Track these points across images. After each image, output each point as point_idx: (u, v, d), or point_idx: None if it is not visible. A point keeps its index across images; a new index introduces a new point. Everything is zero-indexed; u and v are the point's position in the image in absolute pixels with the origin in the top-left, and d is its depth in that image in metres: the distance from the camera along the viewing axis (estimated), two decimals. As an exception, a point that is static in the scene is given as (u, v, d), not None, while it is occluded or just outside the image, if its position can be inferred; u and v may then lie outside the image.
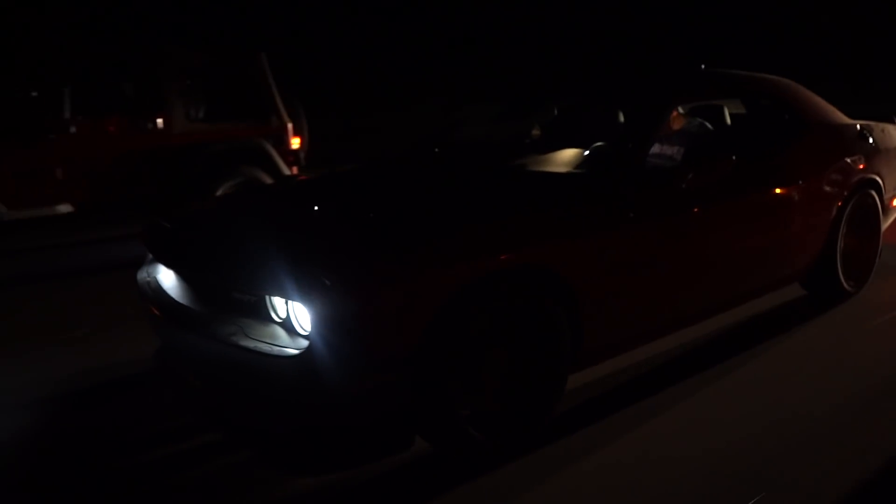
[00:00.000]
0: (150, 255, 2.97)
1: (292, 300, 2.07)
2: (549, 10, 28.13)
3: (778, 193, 3.35)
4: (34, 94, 5.41)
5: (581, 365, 2.65)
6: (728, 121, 3.77)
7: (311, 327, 2.02)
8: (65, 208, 5.34)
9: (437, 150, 3.75)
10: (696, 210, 2.90)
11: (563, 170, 3.01)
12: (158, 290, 2.68)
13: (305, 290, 2.02)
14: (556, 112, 3.64)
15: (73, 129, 5.34)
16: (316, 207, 2.85)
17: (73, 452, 2.58)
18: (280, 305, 2.19)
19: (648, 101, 3.04)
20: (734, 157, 2.82)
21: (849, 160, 3.73)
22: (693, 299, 3.03)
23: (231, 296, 2.32)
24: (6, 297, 4.56)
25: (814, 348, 3.31)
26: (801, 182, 3.43)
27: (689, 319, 3.08)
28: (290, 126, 6.27)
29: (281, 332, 2.16)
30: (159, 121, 5.64)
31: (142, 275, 2.91)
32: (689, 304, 3.02)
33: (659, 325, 2.92)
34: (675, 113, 3.62)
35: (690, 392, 2.82)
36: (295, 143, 6.40)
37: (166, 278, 2.76)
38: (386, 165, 3.55)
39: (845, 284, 3.83)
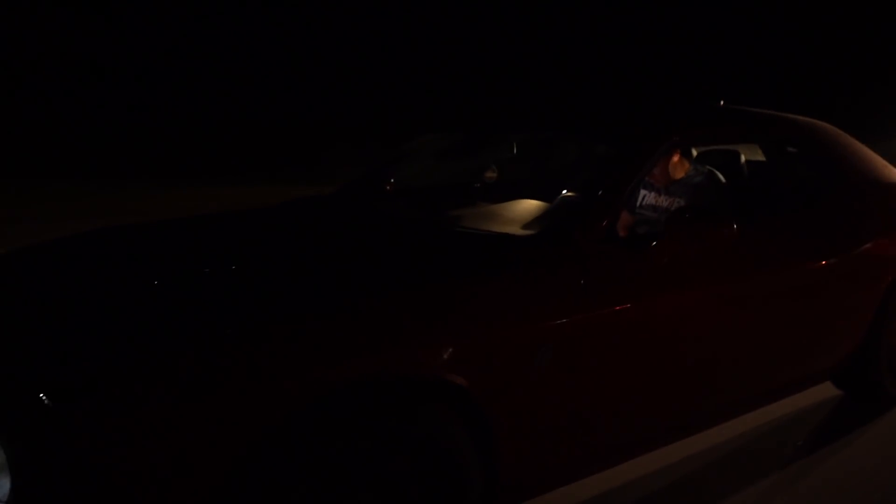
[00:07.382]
0: None
1: None
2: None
3: (804, 268, 2.54)
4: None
5: None
6: (744, 171, 2.99)
7: (12, 483, 1.23)
8: None
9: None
10: (676, 289, 2.09)
11: (510, 229, 2.21)
12: None
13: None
14: (514, 149, 2.86)
15: None
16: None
17: None
18: None
19: (633, 136, 2.28)
20: (735, 225, 2.01)
21: (900, 228, 2.90)
22: (669, 408, 2.21)
23: None
24: None
25: (855, 473, 2.48)
26: (835, 254, 2.62)
27: (664, 435, 2.26)
28: None
29: None
30: None
31: None
32: (665, 414, 2.20)
33: (616, 447, 2.10)
34: (676, 157, 2.84)
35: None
36: None
37: None
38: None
39: (890, 386, 2.97)
